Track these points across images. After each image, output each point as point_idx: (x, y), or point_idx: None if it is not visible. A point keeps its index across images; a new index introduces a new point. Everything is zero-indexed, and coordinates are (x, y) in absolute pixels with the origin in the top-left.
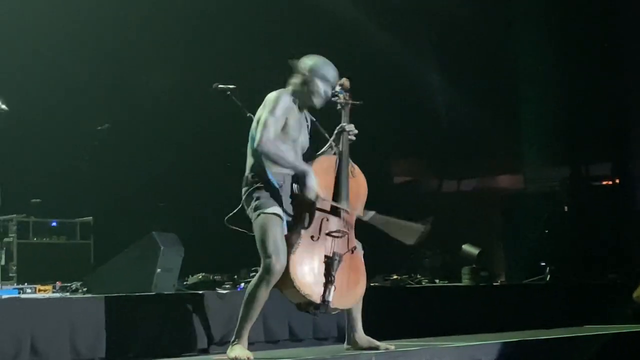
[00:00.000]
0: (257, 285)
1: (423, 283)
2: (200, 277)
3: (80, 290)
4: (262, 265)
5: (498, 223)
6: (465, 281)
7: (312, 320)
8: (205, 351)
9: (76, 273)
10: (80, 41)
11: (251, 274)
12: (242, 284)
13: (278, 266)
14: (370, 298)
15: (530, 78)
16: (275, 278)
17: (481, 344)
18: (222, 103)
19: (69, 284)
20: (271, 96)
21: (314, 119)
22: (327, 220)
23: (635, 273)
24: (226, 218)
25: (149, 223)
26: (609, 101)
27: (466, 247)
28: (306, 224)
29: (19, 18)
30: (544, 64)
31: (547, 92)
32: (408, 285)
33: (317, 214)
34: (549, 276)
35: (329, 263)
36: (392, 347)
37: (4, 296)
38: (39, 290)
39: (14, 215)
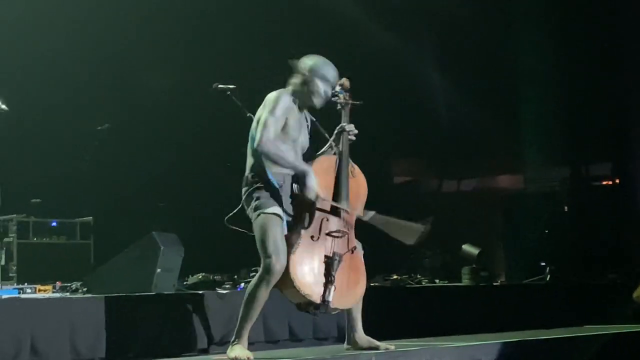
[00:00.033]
0: (257, 285)
1: (423, 283)
2: (200, 277)
3: (80, 290)
4: (262, 265)
5: (498, 223)
6: (466, 281)
7: (312, 320)
8: (205, 351)
9: (76, 273)
10: (80, 41)
11: (251, 274)
12: (242, 284)
13: (278, 266)
14: (370, 298)
15: (530, 78)
16: (275, 278)
17: (481, 344)
18: (222, 103)
19: (69, 284)
20: (271, 96)
21: (314, 119)
22: (327, 220)
23: (635, 273)
24: (226, 218)
25: (149, 223)
26: (609, 101)
27: (466, 247)
28: (306, 224)
29: (19, 18)
30: (544, 64)
31: (547, 92)
32: (408, 285)
33: (317, 214)
34: (549, 276)
35: (329, 263)
36: (392, 347)
37: (4, 296)
38: (39, 290)
39: (14, 215)
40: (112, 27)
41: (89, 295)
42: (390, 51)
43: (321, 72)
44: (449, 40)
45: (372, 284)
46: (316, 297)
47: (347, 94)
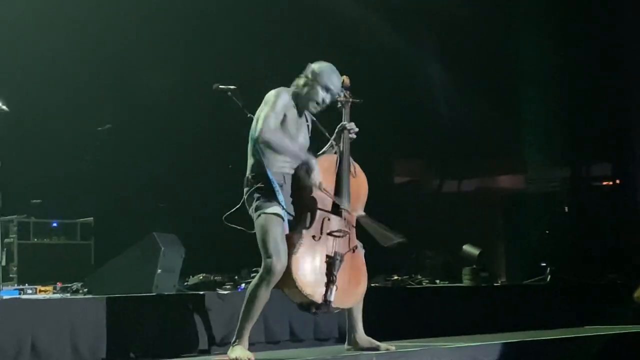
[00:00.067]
0: (258, 286)
1: (424, 283)
2: (201, 277)
3: (80, 291)
4: (262, 265)
5: (498, 223)
6: (466, 282)
7: (313, 320)
8: (206, 352)
9: (77, 274)
10: (80, 41)
11: (252, 275)
12: (243, 285)
13: (279, 266)
14: (371, 298)
15: (530, 78)
16: (275, 278)
17: (482, 345)
18: (222, 103)
19: (69, 285)
20: (270, 93)
21: (314, 119)
22: (329, 219)
23: (635, 273)
24: (224, 216)
25: (149, 224)
26: (609, 101)
27: (467, 248)
28: (308, 223)
29: (19, 18)
30: (544, 64)
31: (547, 92)
32: (409, 286)
33: (319, 213)
34: (549, 276)
35: (331, 263)
36: (393, 348)
37: (5, 297)
38: (40, 291)
39: (15, 215)
40: (112, 27)
41: (90, 296)
42: (390, 51)
43: (324, 80)
44: (449, 40)
45: (372, 285)
46: (318, 297)
47: (348, 92)
